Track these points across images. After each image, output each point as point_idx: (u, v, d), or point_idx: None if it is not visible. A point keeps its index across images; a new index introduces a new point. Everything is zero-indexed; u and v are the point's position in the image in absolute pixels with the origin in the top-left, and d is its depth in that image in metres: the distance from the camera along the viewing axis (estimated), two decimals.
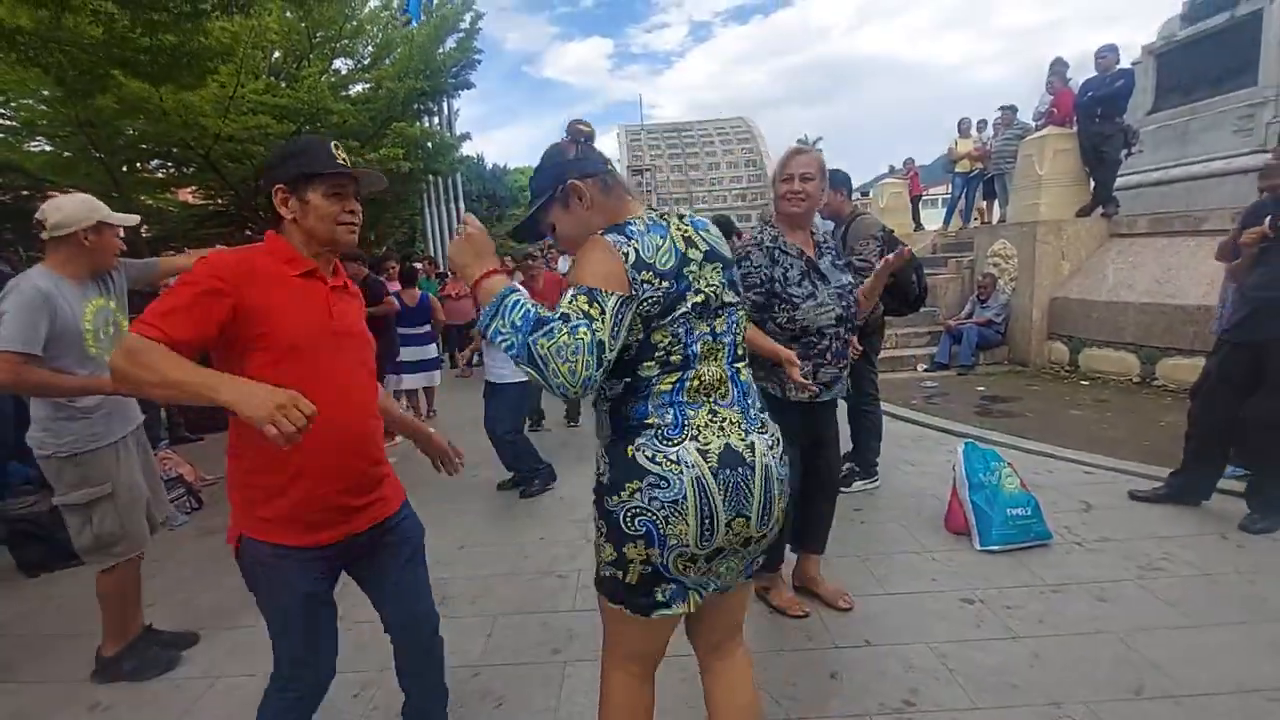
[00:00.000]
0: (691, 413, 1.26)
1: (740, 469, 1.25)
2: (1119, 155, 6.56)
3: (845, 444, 3.29)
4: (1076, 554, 2.83)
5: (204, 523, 3.84)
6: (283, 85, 10.29)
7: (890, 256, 2.42)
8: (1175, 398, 5.08)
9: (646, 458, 1.23)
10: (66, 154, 10.08)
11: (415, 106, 12.33)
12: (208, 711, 2.16)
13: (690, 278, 1.27)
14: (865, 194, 14.45)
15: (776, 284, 2.21)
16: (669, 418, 1.25)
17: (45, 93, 8.11)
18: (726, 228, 4.58)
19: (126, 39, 5.25)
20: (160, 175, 11.84)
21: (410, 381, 5.78)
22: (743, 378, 1.36)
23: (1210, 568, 2.64)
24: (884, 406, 5.31)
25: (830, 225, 3.71)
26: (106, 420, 2.24)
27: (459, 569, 3.06)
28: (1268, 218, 2.88)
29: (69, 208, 2.18)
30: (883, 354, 7.16)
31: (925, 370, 7.07)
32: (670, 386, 1.26)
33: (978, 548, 2.88)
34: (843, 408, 3.05)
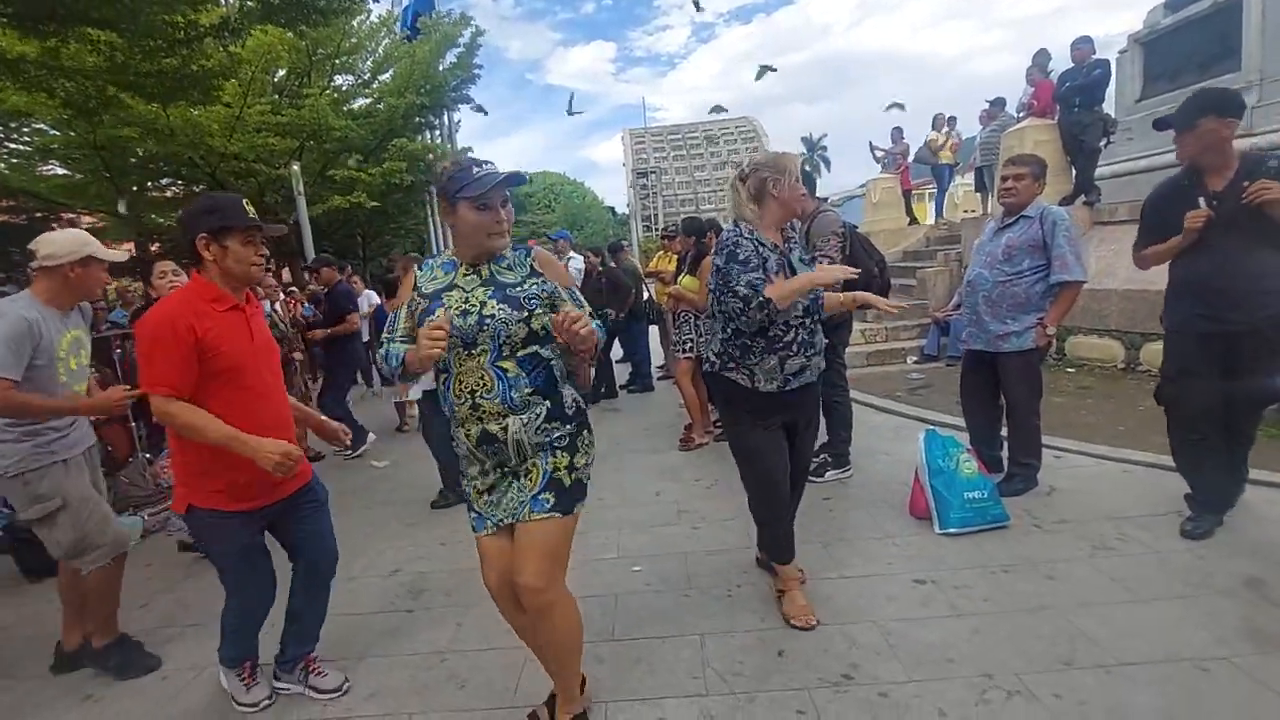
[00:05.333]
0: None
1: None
2: (1098, 144, 6.57)
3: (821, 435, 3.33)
4: (1034, 535, 2.89)
5: None
6: (285, 103, 10.57)
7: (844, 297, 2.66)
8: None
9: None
10: (79, 176, 10.43)
11: (416, 120, 12.58)
12: (191, 698, 2.30)
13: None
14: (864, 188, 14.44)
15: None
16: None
17: (58, 117, 8.43)
18: (699, 227, 4.67)
19: (127, 64, 5.48)
20: (169, 194, 12.18)
21: (415, 391, 5.79)
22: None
23: (1162, 547, 2.69)
24: (868, 399, 5.41)
25: (795, 221, 3.79)
26: (50, 443, 2.33)
27: (438, 563, 3.19)
28: (1200, 199, 2.62)
29: (59, 241, 2.33)
30: (873, 348, 7.27)
31: (914, 362, 7.08)
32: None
33: (937, 531, 2.95)
34: None
